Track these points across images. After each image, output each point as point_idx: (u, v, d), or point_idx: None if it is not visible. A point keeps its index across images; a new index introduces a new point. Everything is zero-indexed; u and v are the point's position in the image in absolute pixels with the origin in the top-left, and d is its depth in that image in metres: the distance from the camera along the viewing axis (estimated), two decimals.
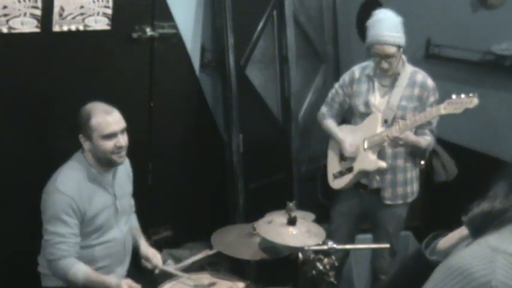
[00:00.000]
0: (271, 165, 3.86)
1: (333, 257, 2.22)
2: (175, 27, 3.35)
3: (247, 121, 3.58)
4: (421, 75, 2.97)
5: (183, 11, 3.39)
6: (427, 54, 3.83)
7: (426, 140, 2.95)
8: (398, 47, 2.85)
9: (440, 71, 3.75)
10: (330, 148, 3.27)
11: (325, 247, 2.27)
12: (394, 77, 2.96)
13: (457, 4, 3.68)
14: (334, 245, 2.28)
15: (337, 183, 3.17)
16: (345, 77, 3.13)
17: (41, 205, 2.46)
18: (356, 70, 3.09)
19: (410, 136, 2.89)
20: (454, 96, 2.72)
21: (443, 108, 2.74)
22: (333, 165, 3.22)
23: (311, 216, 2.77)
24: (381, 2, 3.90)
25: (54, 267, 2.43)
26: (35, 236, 2.53)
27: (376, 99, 2.99)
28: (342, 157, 3.15)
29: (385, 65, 2.87)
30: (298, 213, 2.47)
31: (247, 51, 3.64)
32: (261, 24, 3.71)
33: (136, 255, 2.73)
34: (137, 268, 2.73)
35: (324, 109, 3.25)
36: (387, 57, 2.85)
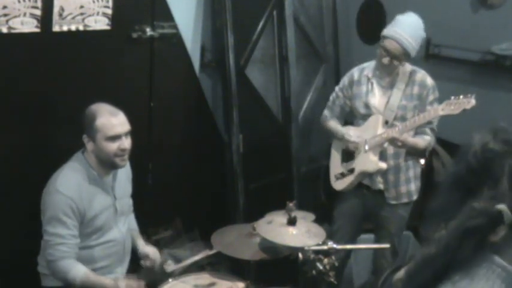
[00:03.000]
0: (271, 165, 3.86)
1: (333, 257, 2.22)
2: (175, 27, 3.35)
3: (247, 121, 3.58)
4: (420, 74, 2.97)
5: (183, 11, 3.39)
6: (427, 54, 3.83)
7: (425, 140, 2.96)
8: (408, 56, 2.86)
9: (440, 71, 3.75)
10: (333, 149, 3.27)
11: (325, 247, 2.27)
12: (393, 77, 2.96)
13: (457, 4, 3.68)
14: (334, 245, 2.28)
15: (339, 185, 3.18)
16: (345, 80, 3.14)
17: (41, 206, 2.46)
18: (355, 72, 3.10)
19: (408, 139, 2.90)
20: (452, 98, 2.73)
21: (442, 110, 2.74)
22: (335, 166, 3.22)
23: (311, 216, 2.78)
24: (381, 2, 3.90)
25: (53, 268, 2.43)
26: (35, 236, 2.53)
27: (376, 100, 2.99)
28: (344, 158, 3.15)
29: (385, 60, 2.87)
30: (298, 213, 2.47)
31: (247, 51, 3.64)
32: (261, 24, 3.70)
33: (135, 255, 2.73)
34: (137, 268, 2.73)
35: (326, 112, 3.26)
36: (393, 57, 2.84)
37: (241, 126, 3.52)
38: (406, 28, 2.84)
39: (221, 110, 3.65)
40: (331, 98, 3.24)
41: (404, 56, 2.85)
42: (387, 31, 2.87)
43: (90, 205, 2.47)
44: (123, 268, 2.67)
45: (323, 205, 3.49)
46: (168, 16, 3.30)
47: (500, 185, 0.94)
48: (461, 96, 2.71)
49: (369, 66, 3.06)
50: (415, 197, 3.11)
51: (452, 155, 3.67)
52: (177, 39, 3.39)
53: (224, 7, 3.41)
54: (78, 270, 2.40)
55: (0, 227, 2.75)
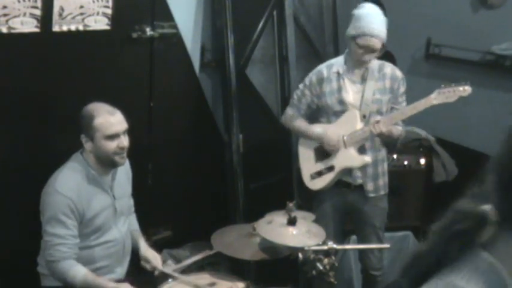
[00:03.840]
0: (271, 165, 3.86)
1: (333, 257, 2.22)
2: (175, 27, 3.35)
3: (247, 121, 3.57)
4: (390, 68, 2.99)
5: (183, 11, 3.39)
6: (427, 54, 3.83)
7: (398, 130, 2.97)
8: (383, 44, 2.87)
9: (440, 71, 3.76)
10: (302, 147, 3.19)
11: (325, 247, 2.27)
12: (364, 72, 2.96)
13: (457, 4, 3.68)
14: (334, 245, 2.28)
15: (316, 184, 3.10)
16: (312, 77, 3.07)
17: (40, 206, 2.46)
18: (323, 69, 3.05)
19: (394, 131, 2.91)
20: (442, 86, 2.73)
21: (434, 99, 2.74)
22: (309, 165, 3.13)
23: (311, 216, 2.77)
24: (381, 2, 3.90)
25: (53, 269, 2.43)
26: (35, 236, 2.53)
27: (350, 96, 2.97)
28: (319, 156, 3.09)
29: (367, 57, 2.86)
30: (298, 213, 2.47)
31: (247, 51, 3.63)
32: (261, 24, 3.70)
33: (136, 255, 2.73)
34: (137, 268, 2.73)
35: (290, 111, 3.16)
36: (372, 51, 2.84)
37: (241, 126, 3.51)
38: (372, 19, 2.84)
39: (221, 110, 3.65)
40: (295, 96, 3.15)
41: (381, 44, 2.85)
42: (357, 30, 2.84)
43: (89, 205, 2.46)
44: (123, 268, 2.67)
45: (301, 208, 3.40)
46: (168, 16, 3.30)
47: (487, 184, 0.95)
48: (453, 84, 2.70)
49: (336, 63, 3.03)
50: (387, 189, 3.10)
51: (452, 155, 3.67)
52: (177, 39, 3.39)
53: (224, 7, 3.41)
54: (78, 271, 2.40)
55: (0, 227, 2.75)
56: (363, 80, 2.95)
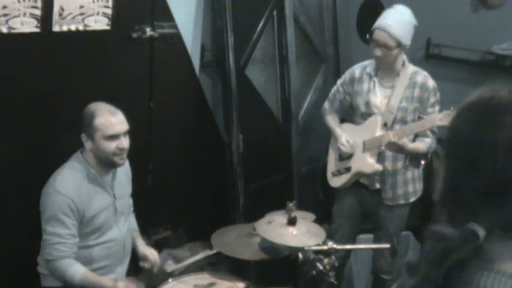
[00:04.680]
0: (271, 165, 3.86)
1: (333, 257, 2.22)
2: (175, 27, 3.35)
3: (247, 121, 3.57)
4: (422, 76, 2.94)
5: (183, 11, 3.39)
6: (427, 54, 3.84)
7: (426, 142, 2.95)
8: (399, 44, 2.82)
9: (440, 71, 3.75)
10: (331, 146, 3.29)
11: (325, 247, 2.27)
12: (394, 78, 2.95)
13: (457, 4, 3.69)
14: (334, 245, 2.28)
15: (335, 182, 3.20)
16: (346, 75, 3.14)
17: (40, 205, 2.46)
18: (357, 69, 3.08)
19: (407, 144, 2.87)
20: (451, 108, 2.70)
21: (439, 120, 2.71)
22: (332, 163, 3.24)
23: (311, 216, 2.78)
24: (382, 2, 3.90)
25: (52, 268, 2.43)
26: (35, 236, 2.53)
27: (377, 99, 2.98)
28: (341, 156, 3.15)
29: (378, 52, 2.84)
30: (298, 213, 2.47)
31: (247, 51, 3.63)
32: (261, 24, 3.70)
33: (135, 255, 2.73)
34: (136, 268, 2.73)
35: (326, 105, 3.28)
36: (383, 45, 2.81)
37: (241, 126, 3.51)
38: (391, 16, 2.84)
39: (221, 110, 3.65)
40: (332, 90, 3.25)
41: (395, 44, 2.80)
42: (374, 25, 2.86)
43: (90, 204, 2.46)
44: (123, 268, 2.67)
45: (322, 203, 3.49)
46: (168, 16, 3.30)
47: (463, 198, 0.92)
48: None
49: (370, 64, 3.04)
50: (412, 199, 3.10)
51: None
52: (177, 39, 3.39)
53: (224, 7, 3.40)
54: (77, 270, 2.40)
55: (0, 227, 2.75)
56: (393, 86, 2.95)
